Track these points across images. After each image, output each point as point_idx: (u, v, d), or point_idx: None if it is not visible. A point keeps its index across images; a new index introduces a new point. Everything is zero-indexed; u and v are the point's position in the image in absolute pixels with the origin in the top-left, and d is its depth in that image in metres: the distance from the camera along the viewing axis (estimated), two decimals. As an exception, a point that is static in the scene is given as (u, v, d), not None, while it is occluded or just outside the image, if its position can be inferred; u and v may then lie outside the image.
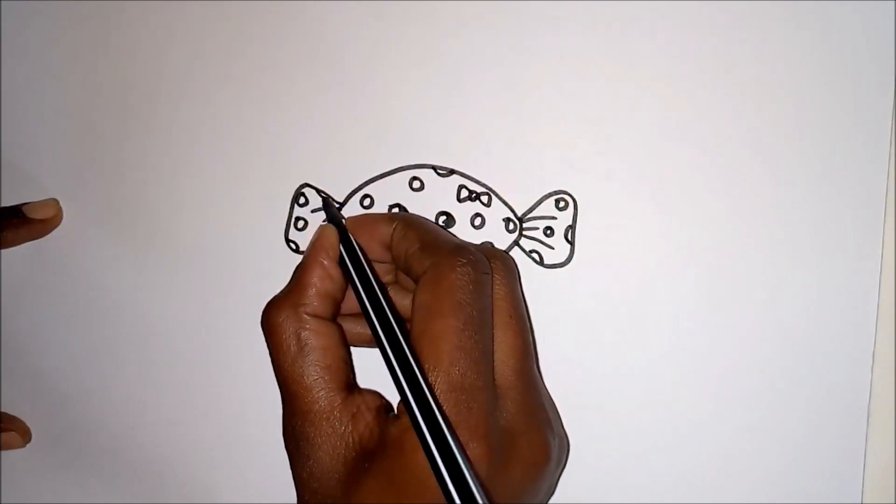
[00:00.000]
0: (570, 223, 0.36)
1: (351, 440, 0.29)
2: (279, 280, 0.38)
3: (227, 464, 0.38)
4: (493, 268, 0.31)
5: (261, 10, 0.39)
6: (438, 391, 0.28)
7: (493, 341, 0.30)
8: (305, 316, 0.31)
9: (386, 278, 0.34)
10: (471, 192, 0.37)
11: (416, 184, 0.37)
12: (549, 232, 0.36)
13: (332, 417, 0.29)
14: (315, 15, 0.38)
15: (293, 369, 0.30)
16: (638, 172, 0.35)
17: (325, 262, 0.31)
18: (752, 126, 0.35)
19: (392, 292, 0.34)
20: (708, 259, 0.35)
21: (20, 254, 0.40)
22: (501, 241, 0.37)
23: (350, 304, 0.32)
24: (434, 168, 0.37)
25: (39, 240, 0.40)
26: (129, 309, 0.39)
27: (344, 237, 0.32)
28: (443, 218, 0.37)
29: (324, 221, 0.33)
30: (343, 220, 0.33)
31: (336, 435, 0.29)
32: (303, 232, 0.38)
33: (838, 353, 0.34)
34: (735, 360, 0.35)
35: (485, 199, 0.37)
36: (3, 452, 0.40)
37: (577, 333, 0.35)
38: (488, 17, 0.37)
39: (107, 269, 0.40)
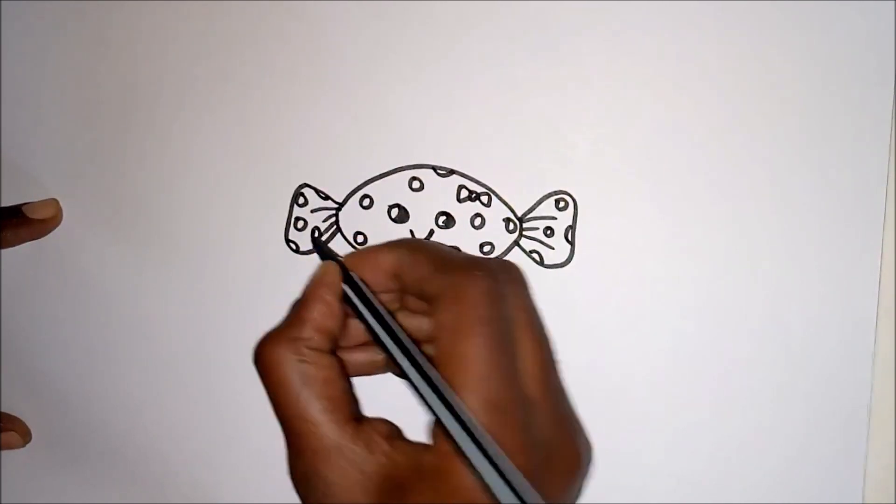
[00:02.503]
0: (570, 223, 0.36)
1: (370, 471, 0.28)
2: (279, 280, 0.38)
3: (226, 464, 0.38)
4: (506, 276, 0.30)
5: (261, 10, 0.39)
6: (475, 411, 0.27)
7: (517, 354, 0.29)
8: (305, 350, 0.30)
9: (393, 306, 0.34)
10: (471, 192, 0.37)
11: (416, 184, 0.37)
12: (549, 232, 0.36)
13: (345, 450, 0.28)
14: (315, 15, 0.38)
15: (297, 406, 0.29)
16: (638, 172, 0.35)
17: (328, 297, 0.30)
18: (752, 126, 0.35)
19: (400, 317, 0.33)
20: (708, 259, 0.35)
21: (20, 254, 0.40)
22: (501, 241, 0.37)
23: (344, 338, 0.32)
24: (434, 168, 0.37)
25: (39, 240, 0.40)
26: (128, 309, 0.39)
27: (346, 274, 0.31)
28: (443, 218, 0.37)
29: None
30: (339, 258, 0.32)
31: (353, 468, 0.28)
32: (302, 232, 0.38)
33: (839, 353, 0.34)
34: (735, 360, 0.35)
35: (485, 199, 0.37)
36: (3, 452, 0.40)
37: (577, 333, 0.35)
38: (488, 17, 0.37)
39: (107, 269, 0.40)
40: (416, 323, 0.32)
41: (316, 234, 0.37)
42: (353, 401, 0.30)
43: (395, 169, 0.37)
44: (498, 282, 0.29)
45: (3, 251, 0.40)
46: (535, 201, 0.36)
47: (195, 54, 0.39)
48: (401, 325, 0.30)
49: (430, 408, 0.27)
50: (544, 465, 0.28)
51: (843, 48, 0.34)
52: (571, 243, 0.36)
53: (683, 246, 0.35)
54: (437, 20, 0.37)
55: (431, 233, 0.37)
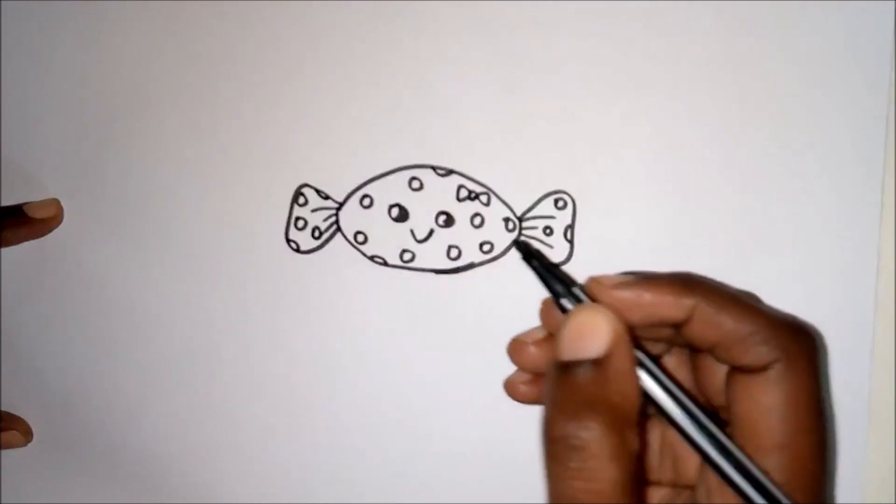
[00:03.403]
0: (569, 222, 0.36)
1: None
2: (279, 279, 0.38)
3: (227, 464, 0.38)
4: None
5: (261, 9, 0.39)
6: None
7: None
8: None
9: (657, 350, 0.28)
10: (470, 191, 0.37)
11: (416, 184, 0.37)
12: (548, 231, 0.36)
13: None
14: (315, 15, 0.38)
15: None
16: (637, 172, 0.35)
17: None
18: (751, 126, 0.35)
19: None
20: (707, 258, 0.35)
21: (20, 254, 0.40)
22: (501, 240, 0.37)
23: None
24: (434, 168, 0.37)
25: (39, 240, 0.40)
26: (129, 308, 0.39)
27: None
28: (442, 217, 0.37)
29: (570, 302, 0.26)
30: (596, 298, 0.25)
31: None
32: (302, 231, 0.38)
33: (837, 352, 0.34)
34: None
35: (484, 198, 0.37)
36: (4, 452, 0.40)
37: (577, 333, 0.35)
38: (488, 17, 0.37)
39: (107, 268, 0.40)
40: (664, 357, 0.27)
41: (528, 245, 0.27)
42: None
43: (395, 169, 0.37)
44: (824, 355, 0.25)
45: (3, 251, 0.40)
46: (534, 201, 0.36)
47: (195, 54, 0.39)
48: (698, 404, 0.24)
49: None
50: None
51: (843, 48, 0.34)
52: (571, 242, 0.36)
53: (682, 245, 0.35)
54: (437, 20, 0.37)
55: (431, 232, 0.37)
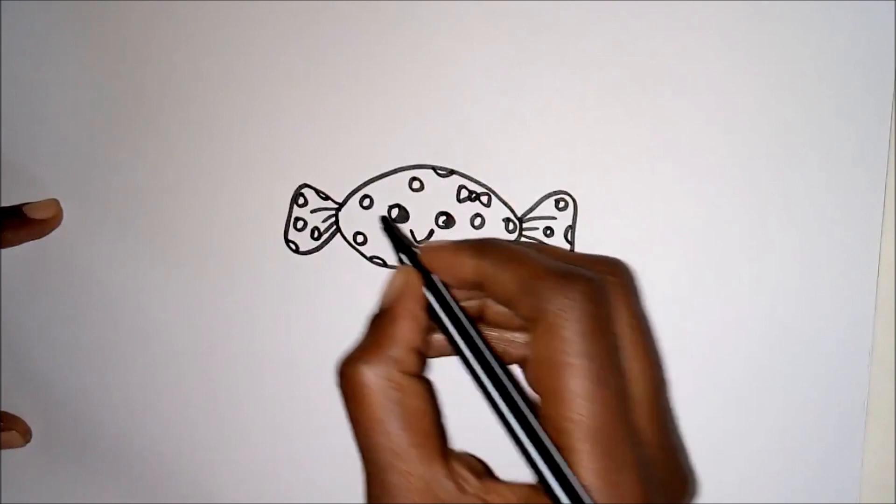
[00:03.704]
0: (570, 223, 0.36)
1: None
2: (279, 280, 0.38)
3: (227, 464, 0.38)
4: (611, 288, 0.27)
5: (261, 10, 0.39)
6: (585, 454, 0.25)
7: (626, 379, 0.26)
8: (398, 374, 0.27)
9: (472, 305, 0.30)
10: (471, 192, 0.37)
11: (416, 184, 0.37)
12: (549, 232, 0.36)
13: (434, 489, 0.26)
14: (315, 15, 0.38)
15: (384, 436, 0.26)
16: (637, 172, 0.36)
17: (416, 312, 0.27)
18: (751, 126, 0.35)
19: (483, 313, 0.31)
20: (707, 259, 0.35)
21: (20, 254, 0.40)
22: (501, 241, 0.37)
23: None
24: (434, 168, 0.37)
25: (39, 240, 0.40)
26: (129, 309, 0.39)
27: (429, 280, 0.28)
28: (443, 218, 0.37)
29: (400, 261, 0.30)
30: (417, 253, 0.29)
31: None
32: (302, 232, 0.38)
33: (836, 351, 0.34)
34: (734, 360, 0.35)
35: (485, 199, 0.37)
36: (4, 452, 0.40)
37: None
38: (488, 17, 0.37)
39: (107, 268, 0.40)
40: (499, 311, 0.29)
41: (386, 216, 0.33)
42: (443, 434, 0.27)
43: (395, 169, 0.37)
44: (598, 303, 0.26)
45: (3, 251, 0.40)
46: (534, 201, 0.36)
47: (195, 54, 0.39)
48: (490, 347, 0.27)
49: (527, 457, 0.25)
50: (656, 497, 0.26)
51: (843, 48, 0.34)
52: (571, 243, 0.36)
53: (682, 245, 0.35)
54: (437, 20, 0.37)
55: (431, 233, 0.37)
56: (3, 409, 0.40)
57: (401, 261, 0.30)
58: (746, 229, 0.35)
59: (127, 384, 0.39)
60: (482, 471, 0.27)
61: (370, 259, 0.37)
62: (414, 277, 0.28)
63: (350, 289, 0.37)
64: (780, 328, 0.34)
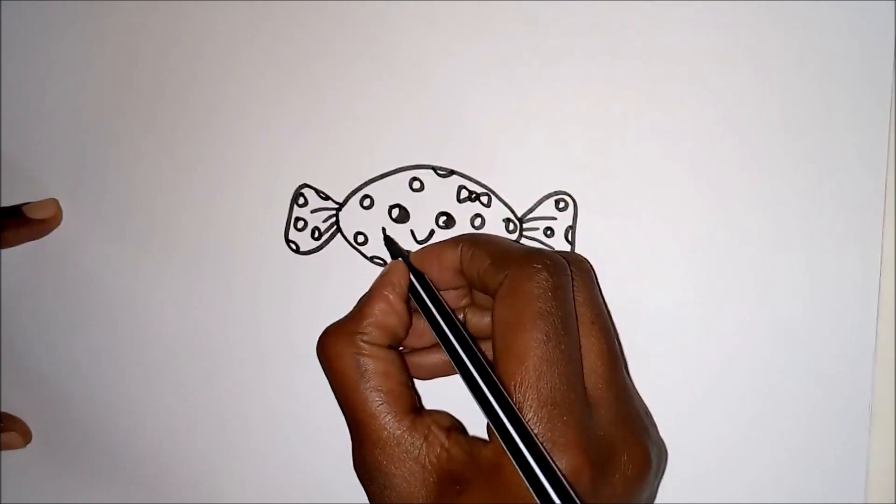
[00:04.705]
0: (570, 223, 0.36)
1: (428, 463, 0.29)
2: (279, 280, 0.38)
3: (226, 464, 0.39)
4: (573, 267, 0.30)
5: (261, 10, 0.39)
6: (529, 408, 0.27)
7: (580, 350, 0.29)
8: (362, 343, 0.30)
9: (462, 302, 0.34)
10: (471, 192, 0.37)
11: (416, 184, 0.37)
12: (549, 232, 0.36)
13: (403, 442, 0.29)
14: (315, 15, 0.38)
15: (356, 397, 0.29)
16: (637, 173, 0.35)
17: (390, 296, 0.31)
18: (752, 126, 0.35)
19: (470, 314, 0.34)
20: (708, 259, 0.35)
21: (20, 254, 0.40)
22: (501, 241, 0.36)
23: (418, 339, 0.33)
24: (434, 168, 0.37)
25: (39, 240, 0.40)
26: (128, 309, 0.39)
27: (413, 270, 0.31)
28: (443, 218, 0.37)
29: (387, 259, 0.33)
30: (408, 255, 0.33)
31: (411, 460, 0.29)
32: (302, 232, 0.38)
33: (840, 352, 0.34)
34: (736, 360, 0.35)
35: (485, 199, 0.37)
36: (3, 452, 0.40)
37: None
38: (488, 18, 0.37)
39: (107, 269, 0.40)
40: (487, 321, 0.32)
41: (386, 236, 0.37)
42: (411, 393, 0.30)
43: (396, 169, 0.37)
44: (557, 275, 0.28)
45: (3, 251, 0.40)
46: (535, 202, 0.36)
47: (195, 54, 0.39)
48: (462, 323, 0.30)
49: (482, 405, 0.27)
50: (606, 465, 0.28)
51: (843, 48, 0.34)
52: (571, 244, 0.36)
53: (683, 246, 0.35)
54: (437, 20, 0.37)
55: (432, 233, 0.37)
56: (3, 410, 0.40)
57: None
58: (747, 230, 0.35)
59: (127, 384, 0.39)
60: (451, 426, 0.30)
61: (370, 259, 0.37)
62: (398, 267, 0.31)
63: (350, 289, 0.37)
64: (781, 330, 0.34)
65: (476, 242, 0.31)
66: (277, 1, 0.38)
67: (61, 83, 0.40)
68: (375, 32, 0.38)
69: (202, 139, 0.39)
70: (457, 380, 0.29)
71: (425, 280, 0.31)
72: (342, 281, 0.38)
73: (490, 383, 0.27)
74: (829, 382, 0.34)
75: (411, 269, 0.31)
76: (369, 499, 0.30)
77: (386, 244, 0.34)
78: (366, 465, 0.29)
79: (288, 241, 0.38)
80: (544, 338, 0.27)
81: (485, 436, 0.29)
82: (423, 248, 0.33)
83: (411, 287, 0.31)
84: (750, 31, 0.35)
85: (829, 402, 0.34)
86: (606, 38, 0.36)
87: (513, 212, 0.36)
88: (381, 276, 0.31)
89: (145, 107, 0.40)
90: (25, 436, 0.40)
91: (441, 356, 0.33)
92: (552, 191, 0.36)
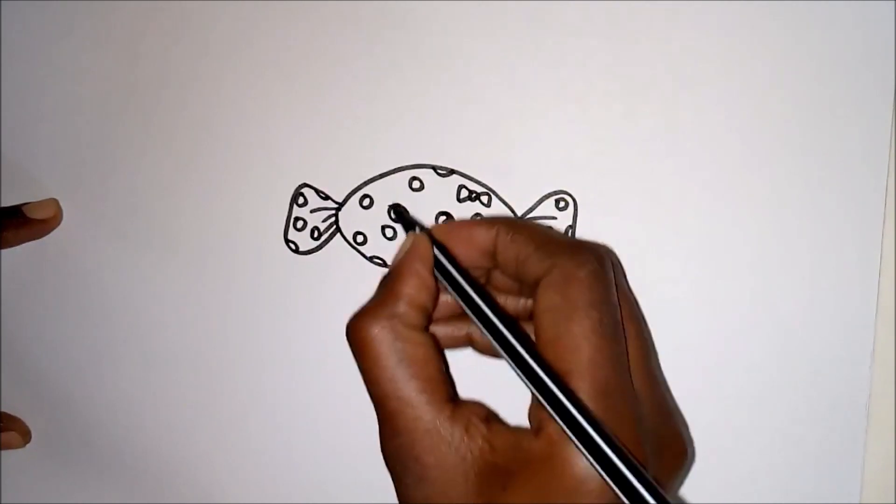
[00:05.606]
0: (571, 223, 0.36)
1: (469, 455, 0.27)
2: (278, 280, 0.38)
3: (227, 464, 0.38)
4: (611, 260, 0.30)
5: (260, 9, 0.39)
6: (585, 398, 0.26)
7: (626, 342, 0.28)
8: (401, 327, 0.28)
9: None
10: (471, 192, 0.37)
11: (416, 184, 0.37)
12: (548, 232, 0.36)
13: (442, 433, 0.27)
14: (315, 15, 0.38)
15: (393, 385, 0.28)
16: (638, 172, 0.35)
17: (422, 271, 0.29)
18: (752, 126, 0.35)
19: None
20: (707, 259, 0.35)
21: (20, 254, 0.40)
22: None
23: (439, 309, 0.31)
24: (434, 168, 0.37)
25: (39, 240, 0.40)
26: (129, 309, 0.39)
27: (438, 245, 0.30)
28: (443, 218, 0.37)
29: (410, 231, 0.32)
30: (426, 228, 0.32)
31: (451, 452, 0.27)
32: (302, 232, 0.38)
33: (838, 352, 0.34)
34: (734, 359, 0.35)
35: (485, 199, 0.37)
36: (3, 452, 0.40)
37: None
38: (489, 17, 0.37)
39: (107, 268, 0.40)
40: (503, 302, 0.31)
41: (395, 205, 0.35)
42: (449, 381, 0.29)
43: (395, 169, 0.37)
44: (606, 267, 0.28)
45: (3, 251, 0.40)
46: (535, 201, 0.36)
47: (195, 54, 0.39)
48: (497, 303, 0.29)
49: (540, 391, 0.26)
50: (655, 458, 0.27)
51: (843, 48, 0.34)
52: (571, 243, 0.36)
53: (683, 246, 0.35)
54: (437, 20, 0.37)
55: (431, 233, 0.37)
56: (2, 410, 0.40)
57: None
58: (747, 229, 0.35)
59: (127, 384, 0.39)
60: (489, 416, 0.28)
61: (370, 259, 0.37)
62: (420, 240, 0.30)
63: (350, 289, 0.37)
64: (780, 329, 0.34)
65: (516, 227, 0.30)
66: (277, 1, 0.38)
67: (61, 83, 0.40)
68: (376, 32, 0.38)
69: (202, 139, 0.39)
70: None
71: (451, 255, 0.30)
72: (342, 281, 0.38)
73: (547, 370, 0.26)
74: (826, 382, 0.34)
75: (435, 243, 0.30)
76: (399, 491, 0.28)
77: (396, 216, 0.33)
78: (400, 456, 0.28)
79: (287, 241, 0.38)
80: (598, 328, 0.26)
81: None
82: (446, 224, 0.32)
83: (436, 262, 0.30)
84: (751, 31, 0.35)
85: (826, 401, 0.34)
86: (606, 37, 0.36)
87: (513, 211, 0.36)
88: (408, 251, 0.30)
89: (145, 106, 0.40)
90: (25, 436, 0.40)
91: (447, 330, 0.32)
92: (552, 190, 0.36)
